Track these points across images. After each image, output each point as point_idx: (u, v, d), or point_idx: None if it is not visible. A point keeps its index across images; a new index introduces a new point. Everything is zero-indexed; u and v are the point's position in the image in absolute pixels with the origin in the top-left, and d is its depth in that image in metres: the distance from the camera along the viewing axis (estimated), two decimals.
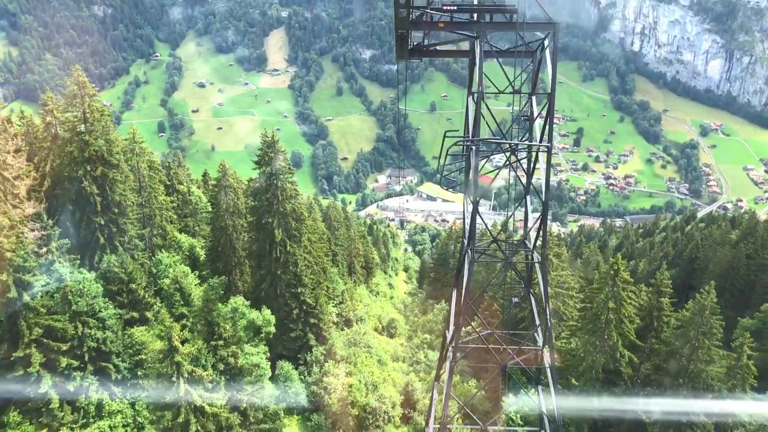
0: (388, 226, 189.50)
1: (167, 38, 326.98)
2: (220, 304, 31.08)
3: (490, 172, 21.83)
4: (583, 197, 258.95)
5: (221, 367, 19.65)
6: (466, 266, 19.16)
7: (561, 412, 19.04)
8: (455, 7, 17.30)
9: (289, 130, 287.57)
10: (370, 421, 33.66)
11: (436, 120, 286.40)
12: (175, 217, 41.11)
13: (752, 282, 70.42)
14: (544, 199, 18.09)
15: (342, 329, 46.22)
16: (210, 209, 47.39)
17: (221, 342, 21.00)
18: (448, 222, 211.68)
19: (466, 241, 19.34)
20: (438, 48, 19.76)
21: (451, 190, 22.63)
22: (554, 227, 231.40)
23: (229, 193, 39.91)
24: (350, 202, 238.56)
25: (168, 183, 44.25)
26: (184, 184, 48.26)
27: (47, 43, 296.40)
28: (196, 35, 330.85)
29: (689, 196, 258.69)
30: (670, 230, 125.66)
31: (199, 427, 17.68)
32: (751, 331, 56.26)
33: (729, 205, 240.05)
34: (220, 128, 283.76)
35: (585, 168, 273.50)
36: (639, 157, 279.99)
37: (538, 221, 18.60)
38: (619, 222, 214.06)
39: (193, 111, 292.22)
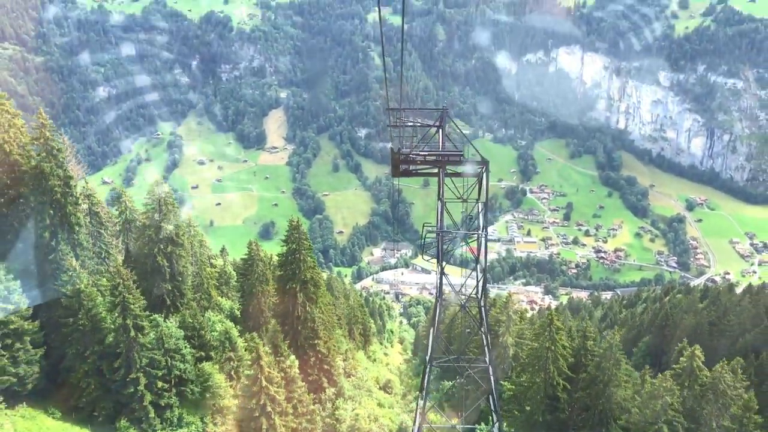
0: (384, 298, 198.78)
1: (169, 117, 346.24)
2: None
3: (464, 244, 33.32)
4: (575, 270, 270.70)
5: (282, 375, 30.38)
6: (438, 310, 30.72)
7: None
8: (427, 152, 29.71)
9: (286, 205, 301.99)
10: None
11: (429, 195, 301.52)
12: (216, 284, 52.55)
13: (715, 347, 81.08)
14: (483, 266, 29.70)
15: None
16: (235, 278, 59.57)
17: (282, 357, 31.82)
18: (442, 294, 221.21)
19: (437, 294, 30.88)
20: (419, 170, 32.00)
21: (431, 260, 34.26)
22: (546, 300, 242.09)
23: (259, 265, 51.67)
24: (346, 275, 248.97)
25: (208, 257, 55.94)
26: (216, 258, 60.10)
27: (54, 122, 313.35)
28: (197, 114, 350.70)
29: (678, 269, 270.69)
30: (650, 301, 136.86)
31: (270, 409, 28.37)
32: None
33: (717, 278, 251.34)
34: (219, 204, 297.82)
35: (575, 242, 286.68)
36: (628, 231, 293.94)
37: (482, 282, 30.23)
38: (609, 294, 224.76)
39: (193, 187, 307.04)
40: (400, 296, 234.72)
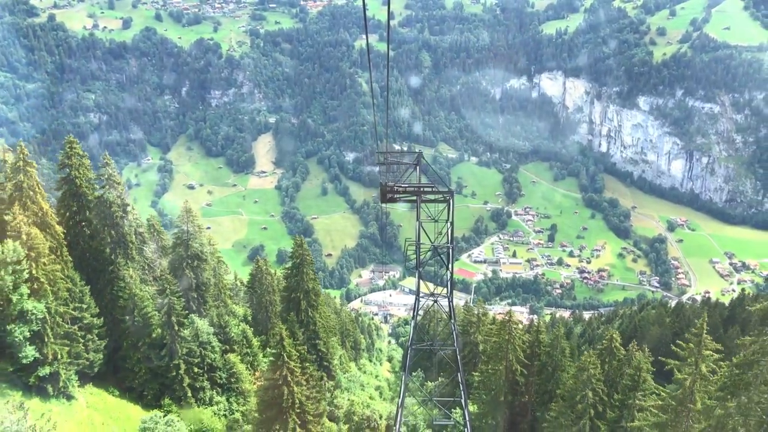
0: (372, 319, 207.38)
1: (159, 143, 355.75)
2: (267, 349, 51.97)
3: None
4: (559, 290, 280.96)
5: (297, 354, 39.77)
6: (416, 306, 40.60)
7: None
8: (407, 185, 39.83)
9: (275, 228, 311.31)
10: (364, 426, 53.53)
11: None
12: (230, 294, 62.17)
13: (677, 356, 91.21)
14: (450, 270, 39.60)
15: None
16: (243, 291, 69.43)
17: (298, 341, 41.18)
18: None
19: (416, 292, 40.78)
20: (402, 198, 42.07)
21: (413, 269, 44.12)
22: (533, 318, 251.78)
23: (267, 278, 61.40)
24: (335, 298, 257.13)
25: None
26: (229, 274, 69.77)
27: (44, 148, 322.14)
28: (187, 140, 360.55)
29: (660, 288, 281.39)
30: (626, 317, 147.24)
31: (290, 379, 37.77)
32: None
33: (698, 297, 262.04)
34: (209, 227, 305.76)
35: (560, 262, 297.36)
36: (611, 252, 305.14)
37: (449, 283, 40.17)
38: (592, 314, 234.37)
39: None
40: (388, 317, 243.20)
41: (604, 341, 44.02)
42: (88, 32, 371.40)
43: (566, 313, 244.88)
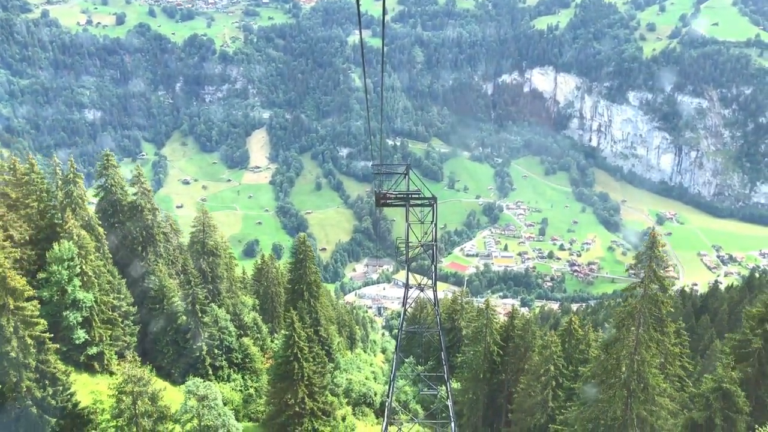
0: (366, 312, 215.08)
1: (154, 138, 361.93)
2: (275, 334, 59.70)
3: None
4: (550, 283, 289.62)
5: (305, 336, 47.32)
6: (406, 295, 48.33)
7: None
8: (397, 192, 47.40)
9: (270, 223, 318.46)
10: (361, 401, 61.38)
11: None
12: (240, 286, 69.77)
13: None
14: (435, 263, 47.21)
15: None
16: (250, 283, 77.10)
17: (306, 324, 48.78)
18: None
19: (406, 283, 48.47)
20: (393, 203, 49.67)
21: (403, 263, 51.73)
22: (522, 311, 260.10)
23: (272, 271, 69.06)
24: (330, 291, 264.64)
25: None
26: (238, 267, 77.27)
27: (38, 143, 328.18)
28: (181, 135, 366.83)
29: None
30: (610, 308, 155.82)
31: (300, 356, 45.25)
32: None
33: (686, 289, 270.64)
34: None
35: (550, 256, 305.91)
36: (601, 245, 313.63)
37: (434, 275, 47.81)
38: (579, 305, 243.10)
39: (178, 206, 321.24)
40: (382, 310, 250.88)
41: (564, 323, 51.86)
42: (82, 28, 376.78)
43: (555, 305, 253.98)
